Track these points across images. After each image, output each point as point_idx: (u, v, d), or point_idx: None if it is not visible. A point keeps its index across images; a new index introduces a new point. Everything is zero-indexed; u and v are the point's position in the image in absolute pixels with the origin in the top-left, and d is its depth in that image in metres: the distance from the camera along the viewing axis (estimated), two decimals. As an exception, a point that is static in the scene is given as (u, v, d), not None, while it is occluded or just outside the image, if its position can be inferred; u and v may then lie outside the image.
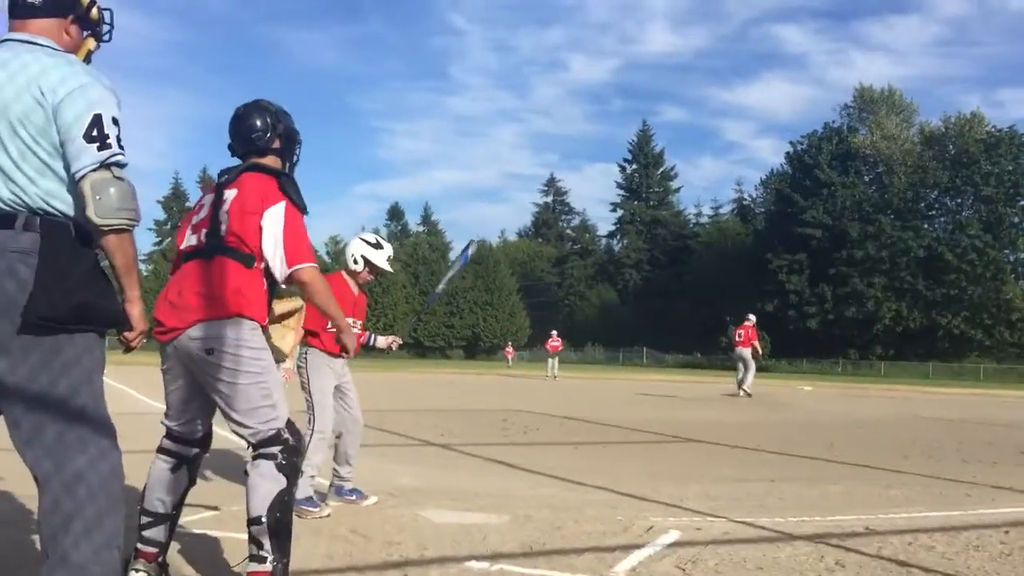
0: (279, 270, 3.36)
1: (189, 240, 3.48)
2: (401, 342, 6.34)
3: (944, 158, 64.72)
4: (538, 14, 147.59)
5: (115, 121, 2.55)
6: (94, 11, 2.82)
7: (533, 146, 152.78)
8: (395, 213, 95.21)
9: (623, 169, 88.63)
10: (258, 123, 3.57)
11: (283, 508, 3.18)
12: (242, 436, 3.32)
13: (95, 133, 2.49)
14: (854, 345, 62.95)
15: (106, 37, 2.90)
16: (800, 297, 64.31)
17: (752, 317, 21.83)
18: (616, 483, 6.86)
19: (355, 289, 5.66)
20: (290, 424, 3.33)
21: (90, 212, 2.47)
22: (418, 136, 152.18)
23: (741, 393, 21.01)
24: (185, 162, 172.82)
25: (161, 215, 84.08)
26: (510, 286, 77.75)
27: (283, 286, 3.46)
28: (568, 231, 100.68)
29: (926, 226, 65.21)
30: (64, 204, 2.53)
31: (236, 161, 3.65)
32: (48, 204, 2.50)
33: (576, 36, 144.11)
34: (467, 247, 6.63)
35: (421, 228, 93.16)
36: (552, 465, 8.11)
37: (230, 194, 3.44)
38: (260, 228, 3.34)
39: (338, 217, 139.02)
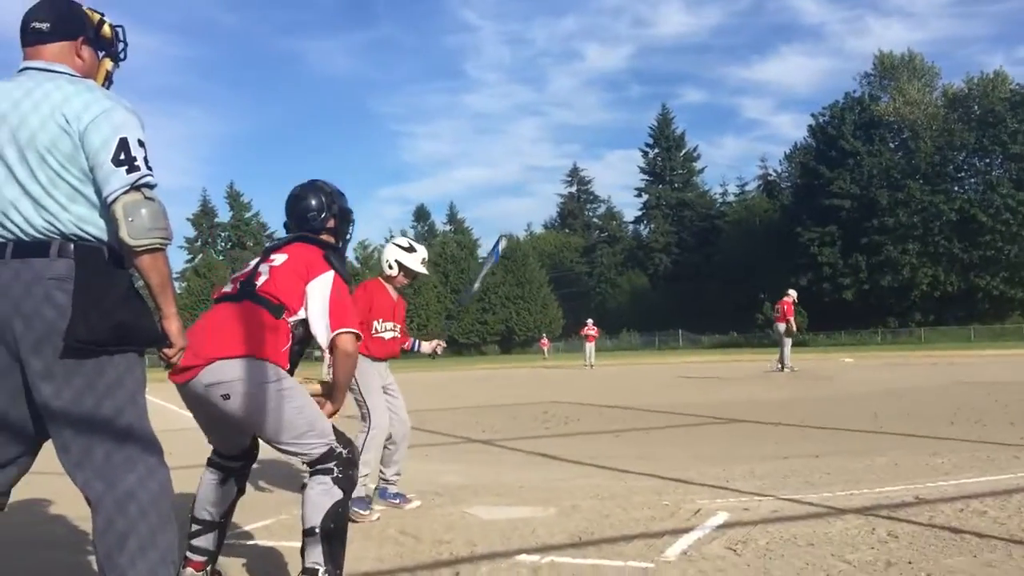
0: (323, 335, 3.37)
1: (224, 289, 3.55)
2: (445, 345, 6.41)
3: (970, 119, 63.70)
4: (550, 4, 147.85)
5: (141, 143, 2.57)
6: (105, 28, 2.83)
7: (554, 138, 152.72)
8: (421, 214, 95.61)
9: (645, 154, 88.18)
10: (313, 203, 3.70)
11: (337, 519, 3.20)
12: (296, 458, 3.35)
13: (123, 156, 2.51)
14: (893, 313, 62.32)
15: (122, 55, 2.91)
16: (834, 269, 63.68)
17: (792, 292, 21.84)
18: (660, 468, 6.84)
19: (394, 295, 5.76)
20: (340, 436, 3.34)
21: (123, 234, 2.49)
22: (438, 137, 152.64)
23: (784, 369, 20.87)
24: (211, 178, 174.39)
25: (191, 232, 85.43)
26: (540, 278, 77.75)
27: (325, 353, 3.45)
28: (595, 220, 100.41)
29: (956, 188, 64.27)
30: (96, 229, 2.55)
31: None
32: (81, 230, 2.53)
33: (590, 23, 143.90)
34: (497, 242, 6.64)
35: (448, 227, 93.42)
36: (595, 454, 8.11)
37: (278, 256, 3.52)
38: (303, 293, 3.40)
39: (366, 222, 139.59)
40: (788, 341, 21.37)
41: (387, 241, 6.15)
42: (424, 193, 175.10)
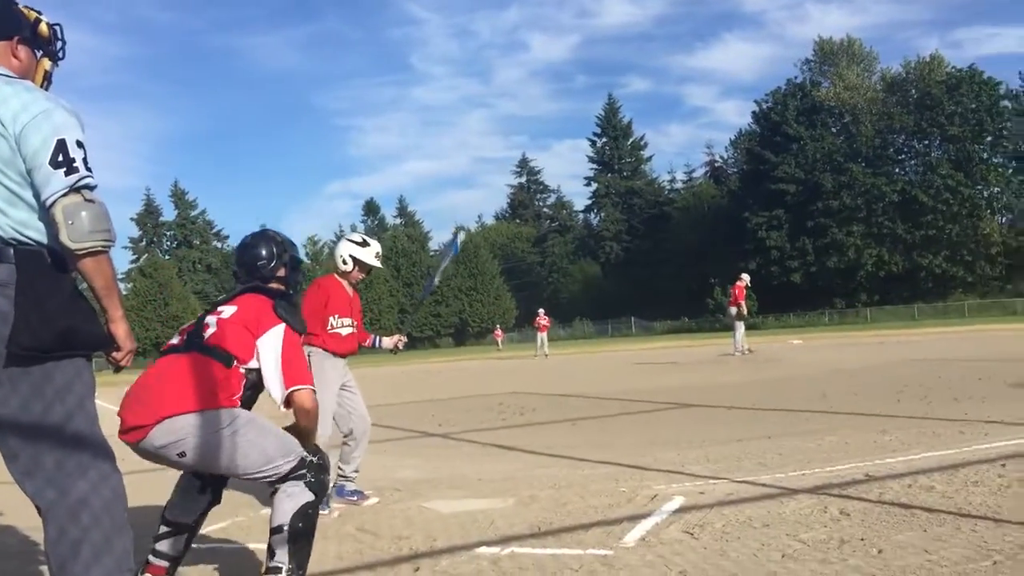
0: (278, 392, 3.30)
1: (171, 341, 3.47)
2: (407, 340, 6.38)
3: (908, 102, 65.01)
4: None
5: (80, 144, 2.52)
6: (43, 27, 2.75)
7: (501, 130, 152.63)
8: (371, 208, 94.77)
9: (593, 143, 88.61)
10: (264, 252, 3.67)
11: (306, 519, 3.19)
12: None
13: (61, 158, 2.46)
14: (839, 294, 63.48)
15: (60, 54, 2.83)
16: (781, 252, 64.63)
17: (745, 277, 22.08)
18: (617, 455, 6.90)
19: (349, 290, 5.73)
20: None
21: (64, 237, 2.44)
22: (386, 131, 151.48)
23: (736, 353, 21.12)
24: (154, 177, 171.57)
25: (135, 232, 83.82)
26: (493, 270, 77.78)
27: (281, 408, 3.39)
28: (545, 209, 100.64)
29: (898, 170, 65.68)
30: (37, 232, 2.50)
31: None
32: (21, 234, 2.48)
33: (533, 14, 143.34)
34: (455, 236, 6.64)
35: (398, 221, 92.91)
36: (552, 444, 8.15)
37: (227, 309, 3.46)
38: (254, 347, 3.32)
39: (315, 218, 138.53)
40: (740, 325, 21.65)
41: (337, 237, 6.12)
42: (373, 187, 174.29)
